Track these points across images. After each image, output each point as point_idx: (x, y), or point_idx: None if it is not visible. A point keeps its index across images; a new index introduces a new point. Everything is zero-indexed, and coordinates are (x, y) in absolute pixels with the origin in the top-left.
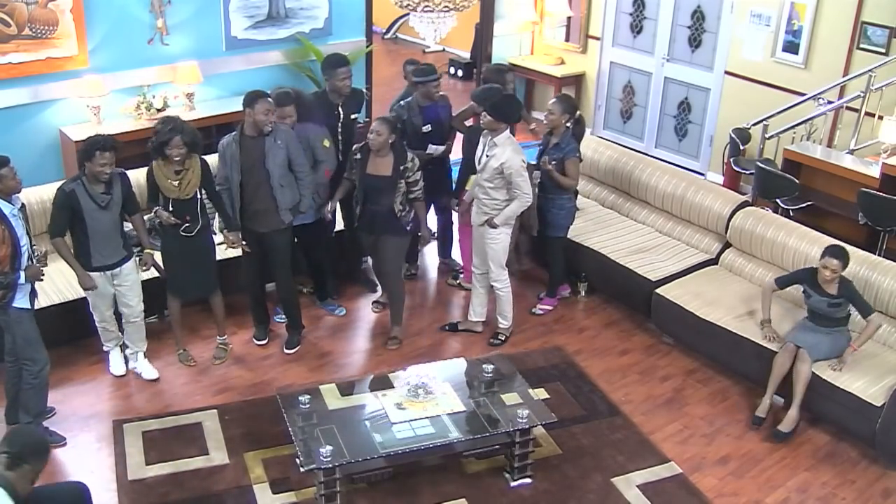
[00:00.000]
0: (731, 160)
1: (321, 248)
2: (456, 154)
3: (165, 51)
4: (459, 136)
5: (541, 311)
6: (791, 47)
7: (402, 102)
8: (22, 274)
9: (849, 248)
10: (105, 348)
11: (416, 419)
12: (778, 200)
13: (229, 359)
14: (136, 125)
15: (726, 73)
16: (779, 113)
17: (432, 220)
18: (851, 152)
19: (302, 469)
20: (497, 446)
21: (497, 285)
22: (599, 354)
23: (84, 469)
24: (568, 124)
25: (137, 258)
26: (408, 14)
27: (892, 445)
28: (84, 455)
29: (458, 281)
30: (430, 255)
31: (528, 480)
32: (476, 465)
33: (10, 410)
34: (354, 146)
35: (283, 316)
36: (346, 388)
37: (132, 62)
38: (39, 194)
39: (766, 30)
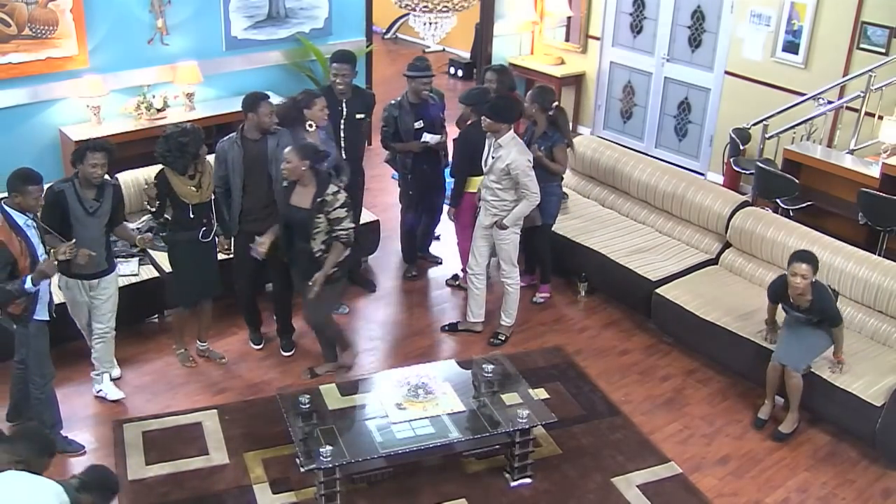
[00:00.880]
0: (731, 160)
1: None
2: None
3: (165, 51)
4: (452, 135)
5: (541, 299)
6: (791, 47)
7: (392, 101)
8: (41, 284)
9: (849, 248)
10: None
11: (416, 419)
12: (778, 200)
13: (229, 359)
14: (136, 125)
15: (726, 73)
16: (779, 113)
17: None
18: (851, 152)
19: (302, 469)
20: (497, 446)
21: (508, 282)
22: (599, 354)
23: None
24: (551, 113)
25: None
26: (408, 14)
27: (892, 445)
28: (84, 455)
29: (457, 281)
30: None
31: (528, 480)
32: (476, 465)
33: (12, 411)
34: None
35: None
36: (346, 388)
37: (132, 62)
38: None
39: (765, 30)
